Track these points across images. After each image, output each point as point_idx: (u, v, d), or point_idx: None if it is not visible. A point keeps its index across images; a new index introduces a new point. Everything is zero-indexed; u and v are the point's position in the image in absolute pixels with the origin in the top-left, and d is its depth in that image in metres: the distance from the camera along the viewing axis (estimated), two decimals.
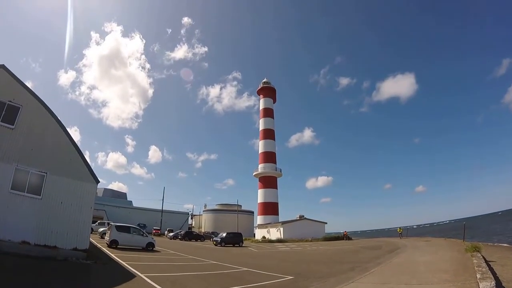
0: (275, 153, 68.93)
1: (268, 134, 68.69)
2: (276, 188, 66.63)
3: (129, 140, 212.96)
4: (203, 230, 67.84)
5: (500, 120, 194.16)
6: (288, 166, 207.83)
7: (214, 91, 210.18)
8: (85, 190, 14.17)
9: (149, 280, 9.83)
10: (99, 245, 20.07)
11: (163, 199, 60.54)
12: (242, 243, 36.34)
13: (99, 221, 37.95)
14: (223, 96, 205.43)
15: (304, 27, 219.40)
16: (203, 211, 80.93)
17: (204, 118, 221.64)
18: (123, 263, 13.53)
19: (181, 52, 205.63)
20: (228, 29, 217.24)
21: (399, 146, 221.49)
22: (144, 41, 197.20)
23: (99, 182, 15.08)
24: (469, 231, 36.65)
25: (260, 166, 66.77)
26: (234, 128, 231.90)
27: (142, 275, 10.64)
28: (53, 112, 14.13)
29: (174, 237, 43.64)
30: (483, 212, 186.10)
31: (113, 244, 19.76)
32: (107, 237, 21.13)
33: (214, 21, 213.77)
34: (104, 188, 69.91)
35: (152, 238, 22.98)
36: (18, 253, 11.22)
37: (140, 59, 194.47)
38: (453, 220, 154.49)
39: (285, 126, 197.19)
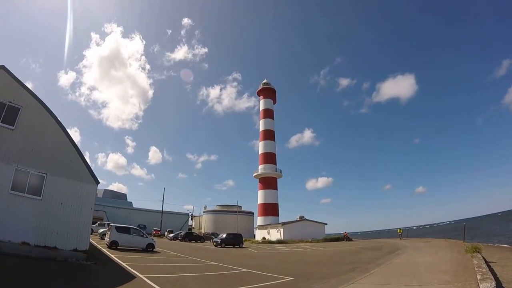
0: (275, 154, 68.97)
1: (268, 135, 68.72)
2: (276, 189, 66.65)
3: (129, 141, 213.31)
4: (203, 231, 67.73)
5: (500, 120, 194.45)
6: (288, 167, 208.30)
7: (214, 92, 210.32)
8: (85, 191, 14.16)
9: (149, 281, 9.81)
10: (99, 246, 20.06)
11: (163, 200, 60.64)
12: (242, 244, 36.31)
13: (99, 222, 37.89)
14: (223, 97, 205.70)
15: (304, 28, 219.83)
16: (203, 212, 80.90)
17: (204, 119, 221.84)
18: (123, 264, 13.51)
19: (181, 53, 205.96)
20: (228, 30, 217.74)
21: (399, 147, 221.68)
22: (144, 42, 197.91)
23: (99, 183, 15.09)
24: (469, 232, 36.63)
25: (260, 167, 66.78)
26: (234, 129, 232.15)
27: (142, 276, 10.63)
28: (53, 113, 14.14)
29: (174, 238, 43.60)
30: (483, 213, 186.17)
31: (113, 245, 19.74)
32: (107, 238, 21.12)
33: (214, 22, 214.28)
34: (104, 189, 69.90)
35: (152, 239, 22.94)
36: (18, 254, 11.21)
37: (140, 60, 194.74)
38: (453, 221, 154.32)
39: (285, 127, 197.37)
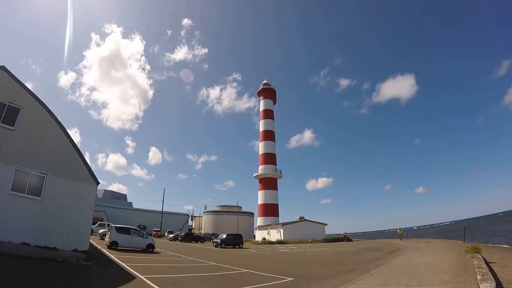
0: (275, 155, 69.01)
1: (268, 135, 68.74)
2: (276, 190, 66.66)
3: (129, 142, 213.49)
4: (203, 232, 67.73)
5: (500, 121, 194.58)
6: (288, 168, 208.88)
7: (214, 92, 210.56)
8: (85, 191, 14.17)
9: (149, 282, 9.81)
10: (99, 247, 20.05)
11: (163, 201, 60.67)
12: (242, 244, 36.30)
13: (99, 223, 37.84)
14: (223, 97, 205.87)
15: (304, 28, 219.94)
16: (203, 212, 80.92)
17: (204, 120, 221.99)
18: (123, 264, 13.51)
19: (181, 53, 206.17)
20: (228, 30, 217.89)
21: (399, 147, 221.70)
22: (144, 42, 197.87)
23: (99, 183, 15.09)
24: (469, 232, 36.62)
25: (260, 167, 66.81)
26: (234, 130, 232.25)
27: (142, 277, 10.63)
28: (53, 113, 14.15)
29: (174, 239, 43.57)
30: (483, 214, 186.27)
31: (113, 246, 19.74)
32: (107, 239, 21.11)
33: (214, 23, 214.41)
34: (104, 190, 69.92)
35: (152, 240, 22.93)
36: (18, 254, 11.21)
37: (140, 61, 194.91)
38: (453, 221, 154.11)
39: (285, 128, 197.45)
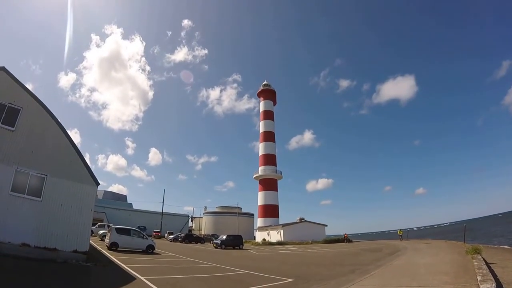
0: (275, 156, 68.99)
1: (268, 136, 68.75)
2: (276, 191, 66.62)
3: (129, 143, 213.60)
4: (203, 233, 67.63)
5: (500, 121, 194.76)
6: (289, 169, 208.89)
7: (214, 93, 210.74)
8: (85, 192, 14.16)
9: (149, 283, 9.80)
10: (99, 248, 20.04)
11: (163, 202, 60.61)
12: (242, 245, 36.27)
13: (99, 224, 37.86)
14: (223, 98, 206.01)
15: (304, 29, 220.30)
16: (203, 213, 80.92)
17: (204, 121, 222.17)
18: (123, 265, 13.50)
19: (181, 54, 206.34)
20: (228, 31, 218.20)
21: (399, 148, 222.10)
22: (144, 43, 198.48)
23: (99, 184, 15.09)
24: (470, 233, 36.59)
25: (260, 168, 66.79)
26: (234, 131, 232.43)
27: (142, 278, 10.62)
28: (53, 114, 14.16)
29: (174, 240, 43.53)
30: (483, 214, 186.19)
31: (113, 247, 19.72)
32: (107, 240, 21.11)
33: (214, 23, 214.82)
34: (104, 191, 69.91)
35: (152, 241, 22.93)
36: (18, 255, 11.20)
37: (140, 62, 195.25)
38: (453, 222, 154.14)
39: (285, 129, 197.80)
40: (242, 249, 34.33)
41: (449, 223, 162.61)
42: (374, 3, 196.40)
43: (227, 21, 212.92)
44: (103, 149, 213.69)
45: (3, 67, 13.07)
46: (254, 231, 67.53)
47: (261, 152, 68.49)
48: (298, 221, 55.33)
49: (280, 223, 57.63)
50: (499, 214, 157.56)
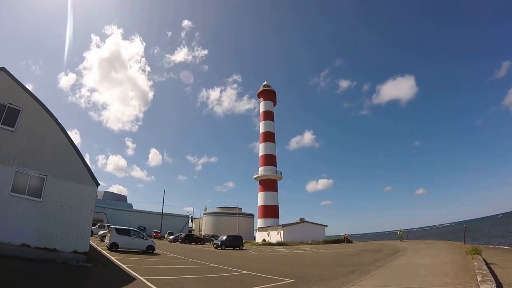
0: (275, 156, 69.00)
1: (268, 137, 68.74)
2: (277, 191, 66.60)
3: (129, 143, 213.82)
4: (203, 233, 67.52)
5: (500, 122, 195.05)
6: (289, 169, 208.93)
7: (214, 94, 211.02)
8: (85, 192, 14.15)
9: (149, 283, 9.80)
10: (99, 248, 20.02)
11: (163, 202, 60.70)
12: (242, 246, 36.24)
13: (99, 224, 37.89)
14: (223, 99, 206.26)
15: (304, 30, 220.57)
16: (203, 214, 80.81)
17: (204, 121, 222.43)
18: (123, 266, 13.49)
19: (181, 55, 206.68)
20: (228, 32, 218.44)
21: (399, 148, 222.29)
22: (144, 44, 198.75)
23: (99, 184, 15.07)
24: (470, 233, 36.60)
25: (260, 169, 66.78)
26: (234, 131, 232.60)
27: (142, 278, 10.61)
28: (53, 115, 14.15)
29: (174, 240, 43.53)
30: (483, 215, 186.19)
31: (113, 247, 19.70)
32: (107, 240, 21.09)
33: (214, 24, 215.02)
34: (104, 191, 69.83)
35: (152, 241, 22.91)
36: (18, 256, 11.19)
37: (140, 62, 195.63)
38: (453, 222, 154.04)
39: (285, 129, 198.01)
40: (242, 249, 34.30)
41: (449, 223, 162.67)
42: (374, 3, 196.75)
43: (227, 21, 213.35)
44: (103, 149, 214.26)
45: (3, 67, 13.07)
46: (254, 231, 67.50)
47: (261, 152, 68.49)
48: (298, 221, 55.28)
49: (280, 224, 57.58)
50: (499, 214, 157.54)
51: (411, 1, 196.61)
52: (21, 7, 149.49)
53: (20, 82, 13.51)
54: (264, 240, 53.04)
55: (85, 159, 15.11)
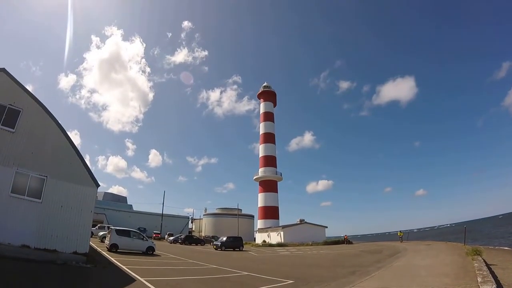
0: (275, 157, 69.00)
1: (269, 138, 68.76)
2: (277, 192, 66.58)
3: (129, 144, 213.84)
4: (203, 234, 67.57)
5: (500, 122, 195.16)
6: (289, 170, 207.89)
7: (214, 95, 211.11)
8: (85, 193, 14.14)
9: (149, 284, 9.79)
10: (99, 249, 20.02)
11: (163, 203, 60.69)
12: (243, 247, 36.22)
13: (99, 225, 37.91)
14: (223, 100, 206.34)
15: (304, 31, 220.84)
16: (203, 215, 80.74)
17: (204, 122, 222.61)
18: (123, 267, 13.48)
19: (181, 56, 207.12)
20: (228, 33, 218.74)
21: (399, 149, 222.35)
22: (145, 45, 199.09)
23: (99, 185, 15.06)
24: (470, 234, 36.57)
25: (261, 170, 66.79)
26: (234, 132, 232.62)
27: (142, 279, 10.60)
28: (53, 116, 14.15)
29: (174, 241, 43.48)
30: (483, 216, 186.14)
31: (113, 248, 19.69)
32: (107, 241, 21.08)
33: (214, 25, 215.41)
34: (104, 192, 69.86)
35: (152, 242, 22.90)
36: (18, 257, 11.18)
37: (140, 63, 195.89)
38: (453, 223, 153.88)
39: (285, 130, 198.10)
40: (242, 250, 34.29)
41: (450, 224, 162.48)
42: (374, 4, 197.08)
43: (227, 22, 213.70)
44: (103, 150, 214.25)
45: (4, 68, 13.08)
46: (254, 232, 67.46)
47: (261, 153, 68.50)
48: (298, 222, 55.25)
49: (280, 225, 57.57)
50: (499, 215, 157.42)
51: (411, 1, 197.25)
52: (21, 7, 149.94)
53: (20, 83, 13.51)
54: (264, 241, 53.02)
55: (85, 160, 15.12)
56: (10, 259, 10.82)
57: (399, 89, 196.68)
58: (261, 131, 70.09)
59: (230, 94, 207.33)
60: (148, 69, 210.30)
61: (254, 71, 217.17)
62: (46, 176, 13.02)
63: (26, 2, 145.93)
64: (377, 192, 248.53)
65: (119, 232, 21.05)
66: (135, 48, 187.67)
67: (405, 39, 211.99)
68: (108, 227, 29.29)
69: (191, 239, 44.07)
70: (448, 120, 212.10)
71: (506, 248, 23.62)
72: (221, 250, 32.82)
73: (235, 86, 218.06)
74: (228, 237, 36.15)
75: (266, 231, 56.49)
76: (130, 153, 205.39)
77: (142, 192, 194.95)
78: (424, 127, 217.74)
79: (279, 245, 45.46)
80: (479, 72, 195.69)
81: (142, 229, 48.35)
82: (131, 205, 72.80)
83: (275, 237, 51.49)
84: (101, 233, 29.87)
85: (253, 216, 77.25)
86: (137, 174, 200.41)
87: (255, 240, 60.39)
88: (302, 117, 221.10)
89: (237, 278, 12.80)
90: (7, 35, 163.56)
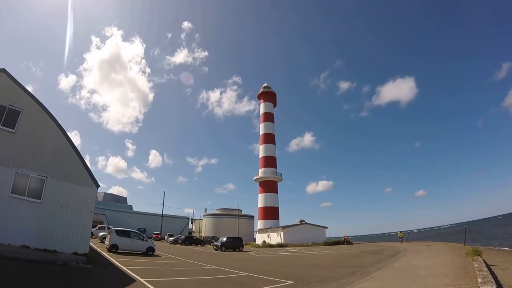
0: (275, 158, 68.96)
1: (269, 138, 68.74)
2: (277, 193, 66.53)
3: (129, 145, 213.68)
4: (203, 235, 67.51)
5: (500, 123, 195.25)
6: (289, 171, 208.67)
7: (214, 95, 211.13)
8: (85, 194, 14.14)
9: (149, 285, 9.79)
10: (99, 250, 20.01)
11: (163, 204, 60.63)
12: (243, 247, 36.19)
13: (99, 226, 37.89)
14: (223, 100, 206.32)
15: (304, 31, 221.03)
16: (203, 215, 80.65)
17: (204, 123, 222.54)
18: (123, 267, 13.48)
19: (181, 56, 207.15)
20: (228, 33, 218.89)
21: (399, 150, 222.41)
22: (145, 45, 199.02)
23: (99, 186, 15.06)
24: (470, 235, 36.56)
25: (261, 170, 66.74)
26: (234, 133, 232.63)
27: (142, 280, 10.60)
28: (53, 116, 14.16)
29: (174, 242, 43.44)
30: (483, 216, 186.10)
31: (113, 249, 19.67)
32: (107, 242, 21.07)
33: (214, 26, 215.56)
34: (104, 193, 69.81)
35: (152, 243, 22.89)
36: (18, 257, 11.18)
37: (140, 64, 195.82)
38: (454, 224, 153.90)
39: (285, 131, 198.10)
40: (242, 251, 34.27)
41: (450, 225, 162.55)
42: (374, 4, 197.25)
43: (227, 22, 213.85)
44: (103, 151, 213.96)
45: (4, 69, 13.09)
46: (254, 233, 67.36)
47: (261, 154, 68.47)
48: (298, 223, 55.20)
49: (280, 225, 57.50)
50: (499, 216, 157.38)
51: (411, 1, 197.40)
52: (21, 7, 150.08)
53: (21, 84, 13.52)
54: (264, 241, 52.97)
55: (85, 160, 15.13)
56: (10, 259, 10.82)
57: (399, 90, 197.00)
58: (261, 132, 70.06)
59: (230, 95, 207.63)
60: (148, 70, 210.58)
61: (254, 72, 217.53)
62: (46, 177, 13.02)
63: (26, 2, 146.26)
64: (377, 193, 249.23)
65: (119, 233, 21.05)
66: (135, 49, 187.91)
67: (405, 39, 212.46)
68: (108, 228, 29.26)
69: (191, 240, 44.02)
70: (448, 120, 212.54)
71: (506, 248, 23.60)
72: (221, 250, 32.81)
73: (235, 87, 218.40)
74: (228, 238, 36.12)
75: (266, 232, 56.45)
76: (130, 153, 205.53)
77: (142, 192, 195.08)
78: (424, 127, 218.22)
79: (279, 245, 45.41)
80: (479, 72, 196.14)
81: (142, 229, 48.33)
82: (131, 205, 72.83)
83: (275, 238, 51.44)
84: (101, 233, 29.86)
85: (253, 217, 77.18)
86: (137, 174, 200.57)
87: (255, 241, 60.32)
88: (302, 117, 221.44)
89: (237, 278, 12.80)
90: (7, 35, 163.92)
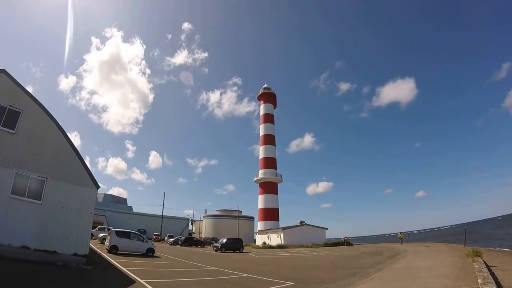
0: (275, 159, 68.93)
1: (269, 139, 68.75)
2: (277, 194, 66.49)
3: (129, 146, 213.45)
4: (203, 236, 67.46)
5: (500, 123, 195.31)
6: (289, 172, 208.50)
7: (214, 96, 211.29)
8: (85, 195, 14.14)
9: (149, 286, 9.78)
10: (99, 251, 19.99)
11: (163, 205, 60.57)
12: (243, 249, 36.13)
13: (99, 227, 37.90)
14: (223, 101, 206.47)
15: (304, 32, 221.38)
16: (203, 216, 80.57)
17: (204, 124, 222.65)
18: (123, 268, 13.46)
19: (181, 57, 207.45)
20: (228, 34, 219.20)
21: (399, 151, 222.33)
22: (145, 46, 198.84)
23: (99, 187, 15.07)
24: (470, 236, 36.52)
25: (261, 171, 66.72)
26: (234, 134, 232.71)
27: (142, 281, 10.59)
28: (53, 117, 14.18)
29: (174, 243, 43.39)
30: (483, 217, 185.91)
31: (113, 250, 19.67)
32: (107, 243, 21.05)
33: (214, 27, 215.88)
34: (104, 194, 69.72)
35: (152, 244, 22.88)
36: (18, 258, 11.18)
37: (140, 65, 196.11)
38: (454, 225, 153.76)
39: (285, 132, 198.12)
40: (242, 252, 34.21)
41: (450, 226, 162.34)
42: (374, 4, 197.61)
43: (227, 24, 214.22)
44: (103, 152, 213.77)
45: (4, 69, 13.11)
46: (254, 234, 67.27)
47: (261, 155, 68.46)
48: (299, 224, 55.20)
49: (280, 226, 57.48)
50: (499, 217, 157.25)
51: (411, 2, 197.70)
52: (21, 8, 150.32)
53: (21, 84, 13.55)
54: (264, 243, 52.93)
55: (85, 161, 15.13)
56: (10, 260, 10.82)
57: (399, 91, 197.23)
58: (261, 133, 70.07)
59: (230, 96, 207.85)
60: (148, 71, 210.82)
61: (254, 72, 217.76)
62: (46, 178, 13.03)
63: (26, 2, 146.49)
64: (378, 194, 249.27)
65: (119, 234, 21.05)
66: (135, 50, 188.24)
67: (405, 39, 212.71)
68: (108, 229, 29.26)
69: (191, 241, 43.98)
70: (448, 121, 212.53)
71: (506, 249, 23.58)
72: (221, 251, 32.75)
73: (235, 88, 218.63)
74: (228, 239, 36.05)
75: (266, 233, 56.40)
76: (130, 154, 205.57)
77: (142, 193, 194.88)
78: (424, 128, 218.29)
79: (279, 246, 45.38)
80: (479, 73, 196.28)
81: (142, 230, 48.29)
82: (131, 206, 72.73)
83: (275, 239, 51.39)
84: (101, 234, 29.85)
85: (253, 218, 77.11)
86: (137, 175, 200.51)
87: (255, 242, 60.27)
88: (302, 118, 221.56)
89: (237, 280, 12.79)
90: (7, 35, 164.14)
